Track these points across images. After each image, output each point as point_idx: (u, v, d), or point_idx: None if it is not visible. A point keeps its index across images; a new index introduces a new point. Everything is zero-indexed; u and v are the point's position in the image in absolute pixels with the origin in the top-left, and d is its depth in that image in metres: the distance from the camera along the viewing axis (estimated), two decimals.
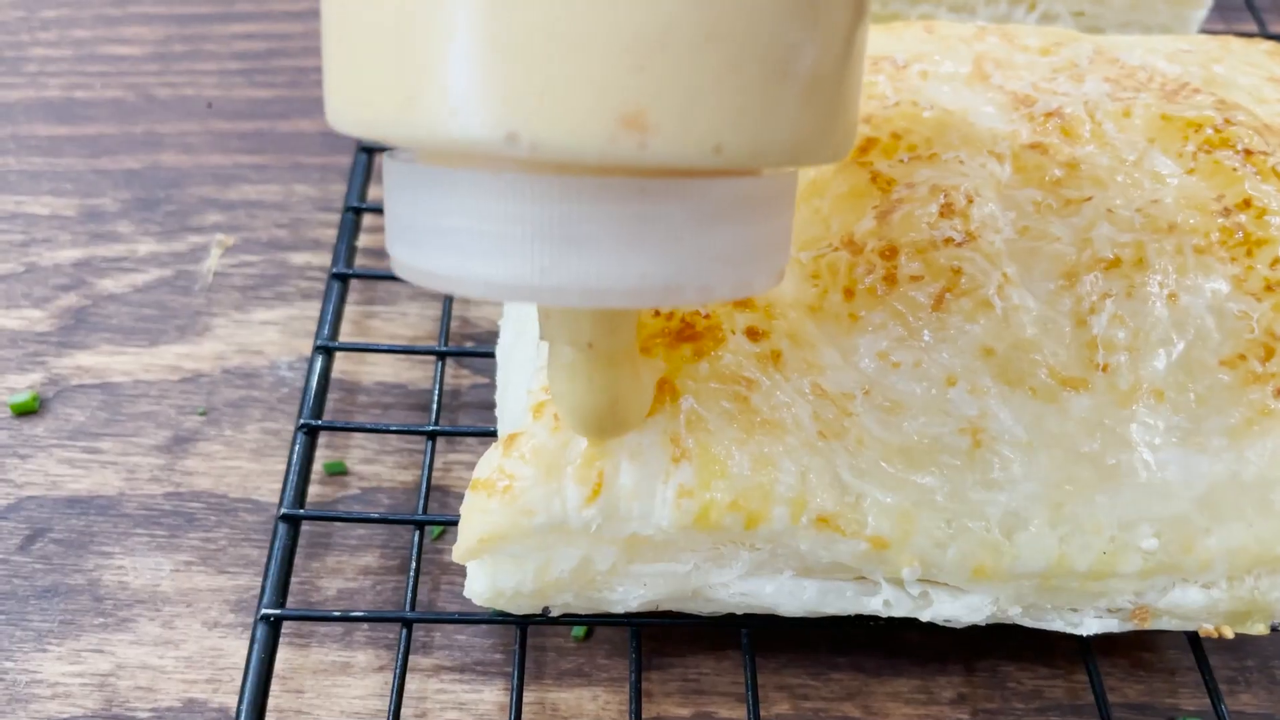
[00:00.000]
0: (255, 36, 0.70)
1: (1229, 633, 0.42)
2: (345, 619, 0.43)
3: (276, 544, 0.44)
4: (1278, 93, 0.49)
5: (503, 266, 0.28)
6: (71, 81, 0.67)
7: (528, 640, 0.46)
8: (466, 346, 0.56)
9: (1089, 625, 0.41)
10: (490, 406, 0.54)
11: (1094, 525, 0.39)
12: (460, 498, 0.51)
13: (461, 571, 0.48)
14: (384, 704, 0.44)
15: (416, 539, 0.46)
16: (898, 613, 0.41)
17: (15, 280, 0.58)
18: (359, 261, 0.58)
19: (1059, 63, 0.48)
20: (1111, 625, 0.41)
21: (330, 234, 0.60)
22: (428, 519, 0.46)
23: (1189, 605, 0.41)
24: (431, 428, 0.48)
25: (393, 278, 0.56)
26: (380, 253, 0.60)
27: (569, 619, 0.42)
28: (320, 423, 0.48)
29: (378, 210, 0.58)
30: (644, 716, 0.45)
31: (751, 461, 0.38)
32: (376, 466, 0.52)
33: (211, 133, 0.65)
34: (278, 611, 0.42)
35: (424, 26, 0.26)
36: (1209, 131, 0.45)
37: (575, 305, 0.29)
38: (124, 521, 0.50)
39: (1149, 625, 0.41)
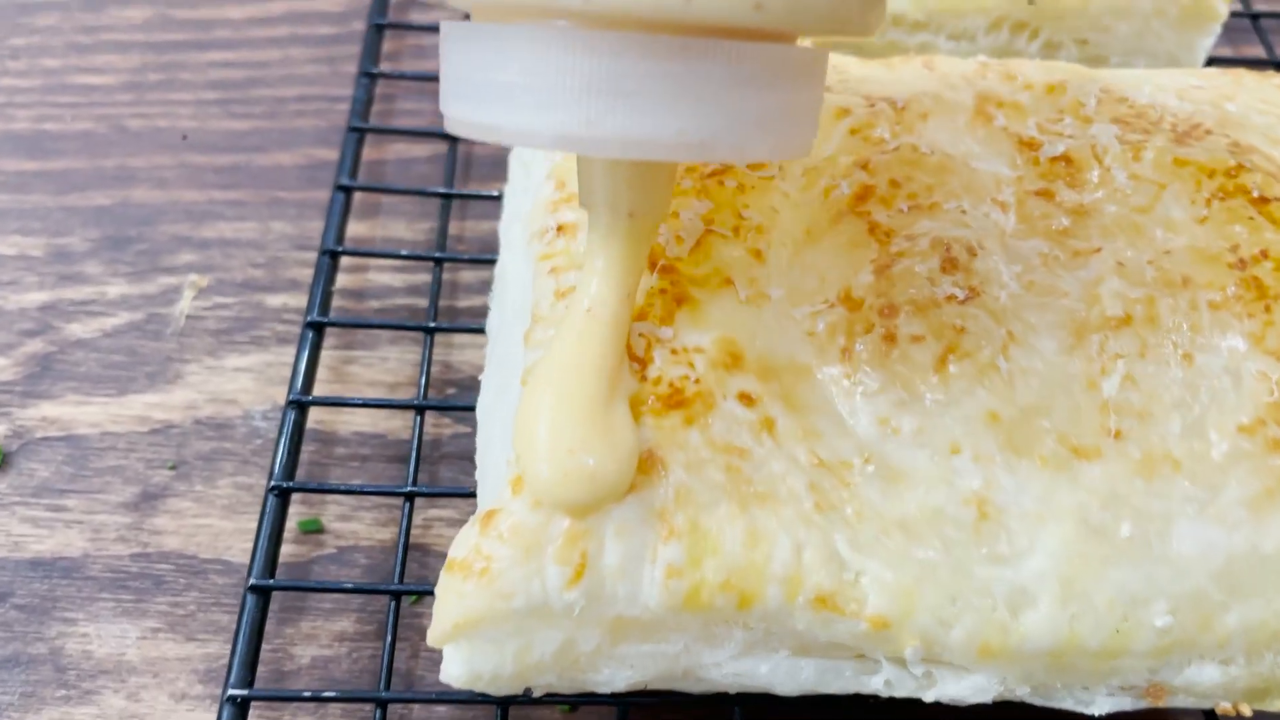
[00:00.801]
0: (233, 65, 0.68)
1: (1247, 710, 0.39)
2: (316, 699, 0.41)
3: (244, 618, 0.42)
4: None
5: (552, 117, 0.30)
6: (41, 113, 0.65)
7: (510, 716, 0.43)
8: (449, 394, 0.53)
9: (1100, 704, 0.39)
10: (471, 457, 0.52)
11: (1106, 602, 0.37)
12: (440, 557, 0.49)
13: None
14: None
15: (393, 608, 0.44)
16: (899, 693, 0.39)
17: None
18: (337, 303, 0.56)
19: (1065, 103, 0.46)
20: (1124, 703, 0.39)
21: (307, 274, 0.58)
22: (404, 589, 0.44)
23: (1205, 683, 0.38)
24: (409, 489, 0.46)
25: (370, 324, 0.54)
26: (359, 292, 0.58)
27: (552, 699, 0.40)
28: (291, 484, 0.46)
29: (355, 254, 0.56)
30: None
31: (744, 537, 0.36)
32: (354, 524, 0.50)
33: (186, 166, 0.63)
34: (245, 692, 0.40)
35: None
36: (1222, 178, 0.43)
37: (616, 155, 0.32)
38: (89, 585, 0.47)
39: (1163, 703, 0.39)
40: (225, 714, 0.40)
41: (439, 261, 0.54)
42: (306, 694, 0.41)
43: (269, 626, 0.45)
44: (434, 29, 0.69)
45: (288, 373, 0.54)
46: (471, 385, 0.54)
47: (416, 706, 0.44)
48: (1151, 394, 0.39)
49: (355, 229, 0.60)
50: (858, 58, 0.51)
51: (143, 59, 0.68)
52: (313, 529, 0.49)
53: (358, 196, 0.60)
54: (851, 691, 0.39)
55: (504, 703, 0.41)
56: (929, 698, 0.38)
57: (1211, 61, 0.65)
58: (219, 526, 0.49)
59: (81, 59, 0.68)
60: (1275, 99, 0.49)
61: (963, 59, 0.50)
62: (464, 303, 0.57)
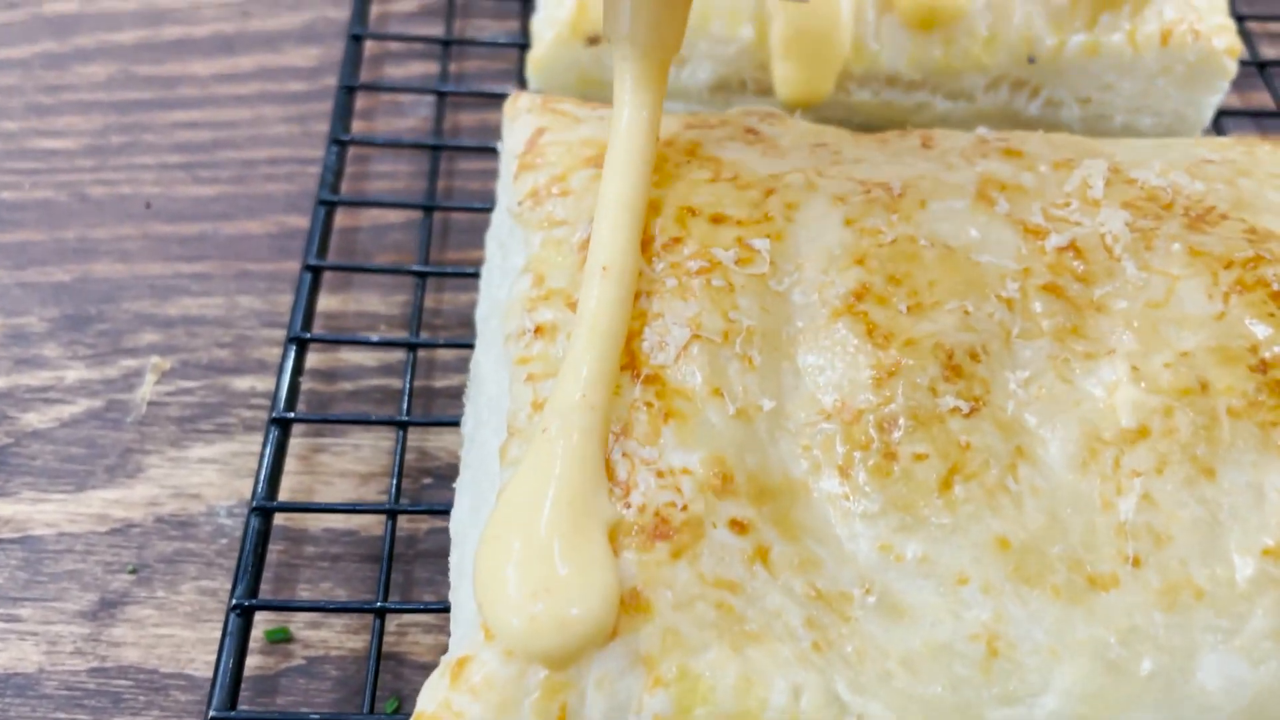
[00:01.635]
0: (199, 125, 0.65)
1: None
2: None
3: None
4: None
5: None
6: None
7: None
8: (424, 485, 0.51)
9: None
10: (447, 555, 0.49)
11: None
12: (415, 669, 0.46)
13: None
14: None
15: None
16: None
17: None
18: (308, 386, 0.53)
19: (1072, 186, 0.43)
20: None
21: (276, 354, 0.55)
22: None
23: None
24: (379, 605, 0.43)
25: (341, 420, 0.51)
26: (330, 373, 0.55)
27: None
28: (255, 602, 0.43)
29: (326, 340, 0.54)
30: None
31: (737, 682, 0.34)
32: (324, 631, 0.47)
33: (150, 237, 0.60)
34: None
35: None
36: (1240, 269, 0.41)
37: None
38: (44, 704, 0.45)
39: None
40: None
41: (412, 347, 0.52)
42: None
43: None
44: (407, 89, 0.66)
45: (255, 463, 0.51)
46: (448, 473, 0.51)
47: None
48: (1171, 515, 0.36)
49: (327, 303, 0.57)
50: (850, 131, 0.48)
51: (105, 120, 0.65)
52: (280, 638, 0.46)
53: (329, 271, 0.57)
54: None
55: None
56: None
57: (1220, 114, 0.63)
58: (181, 637, 0.47)
59: (42, 121, 0.65)
60: None
61: (962, 132, 0.48)
62: (441, 382, 0.55)
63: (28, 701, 0.45)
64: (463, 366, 0.55)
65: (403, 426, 0.49)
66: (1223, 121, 0.63)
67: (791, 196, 0.43)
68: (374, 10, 0.70)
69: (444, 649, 0.44)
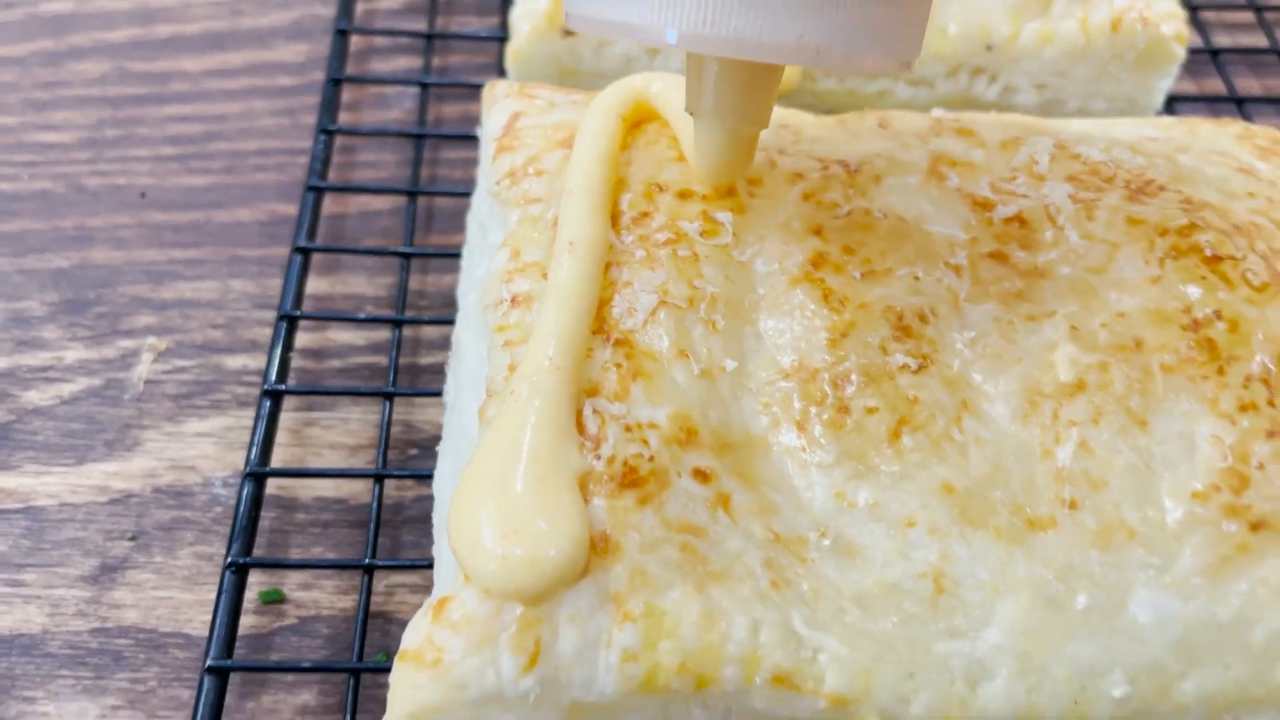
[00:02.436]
0: (191, 119, 0.68)
1: None
2: None
3: (202, 700, 0.41)
4: (1247, 184, 0.47)
5: (678, 15, 0.33)
6: None
7: None
8: (410, 455, 0.53)
9: None
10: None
11: (1063, 674, 0.37)
12: (403, 625, 0.48)
13: None
14: None
15: (352, 685, 0.43)
16: None
17: None
18: (298, 364, 0.56)
19: (1019, 161, 0.46)
20: None
21: (269, 334, 0.57)
22: (361, 667, 0.43)
23: None
24: (367, 562, 0.46)
25: (329, 391, 0.54)
26: (319, 352, 0.57)
27: None
28: (249, 560, 0.45)
29: (315, 317, 0.56)
30: None
31: (700, 618, 0.36)
32: (315, 593, 0.49)
33: (145, 225, 0.62)
34: None
35: None
36: (1175, 236, 0.43)
37: (734, 55, 0.34)
38: (48, 662, 0.47)
39: None
40: None
41: (398, 324, 0.54)
42: None
43: (231, 701, 0.45)
44: (393, 80, 0.69)
45: (247, 436, 0.54)
46: (433, 444, 0.54)
47: None
48: (1106, 462, 0.39)
49: (316, 285, 0.59)
50: (814, 114, 0.51)
51: (100, 114, 0.68)
52: (274, 599, 0.49)
53: (318, 254, 0.59)
54: None
55: None
56: None
57: (1173, 99, 0.65)
58: (179, 599, 0.49)
59: (39, 116, 0.67)
60: (1228, 149, 0.49)
61: (917, 113, 0.50)
62: (426, 359, 0.57)
63: (33, 660, 0.47)
64: (446, 344, 0.57)
65: (389, 397, 0.51)
66: (1176, 106, 0.66)
67: (754, 173, 0.45)
68: (360, 7, 0.72)
69: None
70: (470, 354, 0.45)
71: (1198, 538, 0.38)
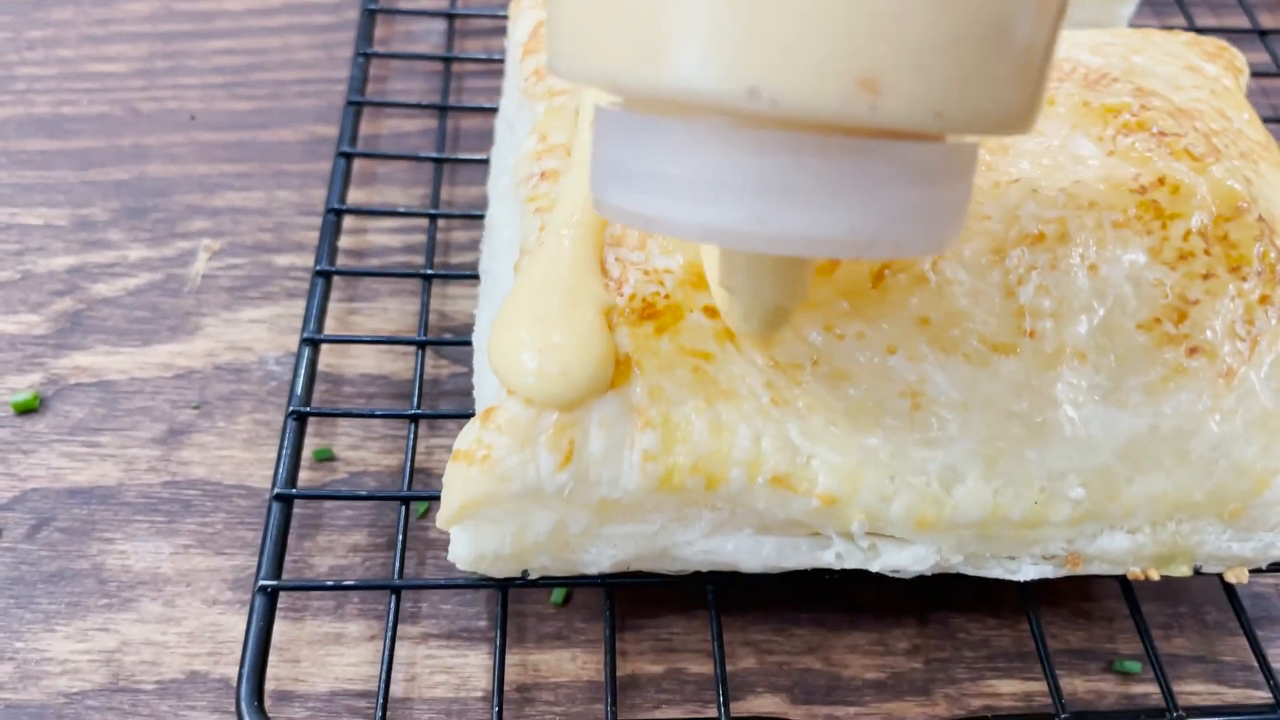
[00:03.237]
0: (235, 52, 0.73)
1: (1155, 575, 0.45)
2: (338, 588, 0.46)
3: (271, 521, 0.47)
4: (1193, 80, 0.53)
5: (719, 213, 0.30)
6: (59, 99, 0.70)
7: (509, 605, 0.49)
8: (445, 338, 0.59)
9: (1026, 571, 0.45)
10: (468, 393, 0.57)
11: (1025, 478, 0.43)
12: (441, 479, 0.54)
13: (444, 547, 0.51)
14: (375, 670, 0.47)
15: (402, 515, 0.49)
16: (849, 564, 0.44)
17: (13, 287, 0.60)
18: (341, 260, 0.61)
19: None
20: (1046, 571, 0.45)
21: (312, 236, 0.63)
22: (413, 495, 0.49)
23: (1116, 550, 0.44)
24: (414, 411, 0.52)
25: (373, 273, 0.59)
26: (360, 252, 0.63)
27: (546, 581, 0.46)
28: (309, 410, 0.51)
29: (357, 212, 0.62)
30: (620, 675, 0.48)
31: (710, 427, 0.42)
32: (362, 452, 0.55)
33: (195, 144, 0.68)
34: (274, 583, 0.45)
35: None
36: (1126, 116, 0.49)
37: (783, 253, 0.32)
38: (124, 509, 0.53)
39: (1081, 570, 0.45)
40: (256, 603, 0.45)
41: (433, 218, 0.60)
42: (329, 584, 0.46)
43: (289, 541, 0.50)
44: (421, 13, 0.74)
45: (297, 323, 0.59)
46: (465, 330, 0.59)
47: (424, 605, 0.50)
48: (1061, 299, 0.44)
49: (354, 196, 0.65)
50: None
51: (151, 48, 0.73)
52: (326, 457, 0.54)
53: (356, 166, 0.65)
54: (808, 565, 0.44)
55: (504, 585, 0.46)
56: (875, 568, 0.44)
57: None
58: (240, 457, 0.54)
59: (95, 49, 0.73)
60: (1178, 52, 0.55)
61: None
62: (457, 259, 0.63)
63: (110, 508, 0.53)
64: (476, 247, 0.63)
65: (427, 279, 0.57)
66: None
67: None
68: None
69: None
70: (503, 228, 0.51)
71: (1140, 360, 0.43)
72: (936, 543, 0.43)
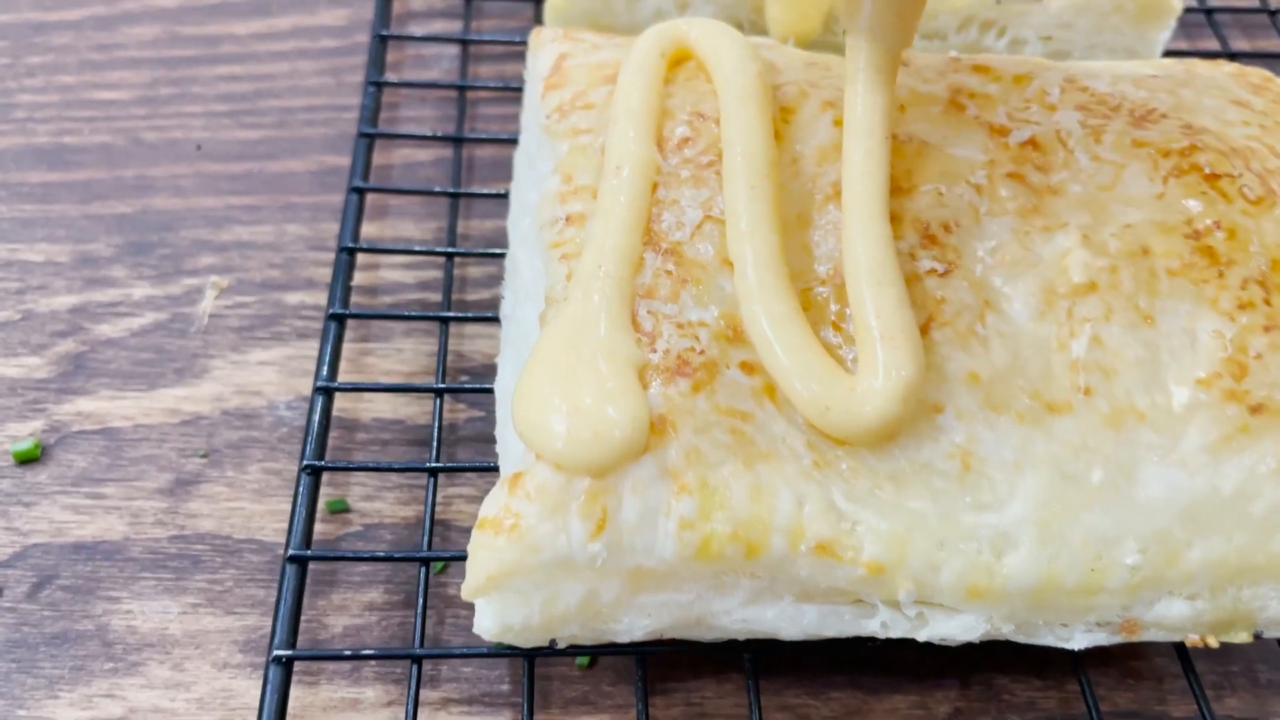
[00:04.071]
0: (241, 78, 0.71)
1: (1214, 642, 0.43)
2: (356, 657, 0.44)
3: (285, 585, 0.45)
4: (1241, 115, 0.51)
5: None
6: (60, 127, 0.68)
7: (536, 670, 0.47)
8: (462, 381, 0.57)
9: (1079, 639, 0.43)
10: (487, 439, 0.55)
11: (1081, 543, 0.40)
12: (461, 531, 0.52)
13: (466, 604, 0.49)
14: None
15: (422, 575, 0.47)
16: (895, 634, 0.42)
17: (13, 328, 0.58)
18: (354, 300, 0.59)
19: (1031, 92, 0.50)
20: (1100, 638, 0.43)
21: (323, 273, 0.61)
22: (432, 555, 0.47)
23: (1174, 617, 0.42)
24: (433, 464, 0.49)
25: (388, 316, 0.57)
26: (373, 289, 0.61)
27: (575, 649, 0.43)
28: (323, 463, 0.49)
29: (371, 250, 0.59)
30: None
31: (750, 492, 0.40)
32: (378, 503, 0.53)
33: (202, 175, 0.66)
34: (289, 652, 0.43)
35: None
36: (1177, 156, 0.47)
37: None
38: (130, 566, 0.50)
39: (1137, 637, 0.43)
40: (271, 674, 0.42)
41: (450, 256, 0.58)
42: (347, 652, 0.44)
43: (303, 599, 0.48)
44: (435, 39, 0.72)
45: (309, 365, 0.57)
46: (483, 373, 0.57)
47: (445, 669, 0.47)
48: (1116, 353, 0.42)
49: (366, 230, 0.63)
50: (838, 55, 0.54)
51: (154, 74, 0.71)
52: (340, 509, 0.52)
53: (368, 199, 0.63)
54: (851, 634, 0.42)
55: (530, 654, 0.44)
56: (922, 637, 0.42)
57: (1168, 54, 0.69)
58: (250, 509, 0.52)
59: (96, 75, 0.71)
60: (1225, 84, 0.53)
61: (934, 54, 0.54)
62: (473, 296, 0.61)
63: (115, 564, 0.50)
64: (492, 283, 0.61)
65: (444, 321, 0.55)
66: None
67: (788, 102, 0.49)
68: None
69: None
70: (526, 270, 0.49)
71: (1201, 419, 0.41)
72: (987, 611, 0.41)
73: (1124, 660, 0.49)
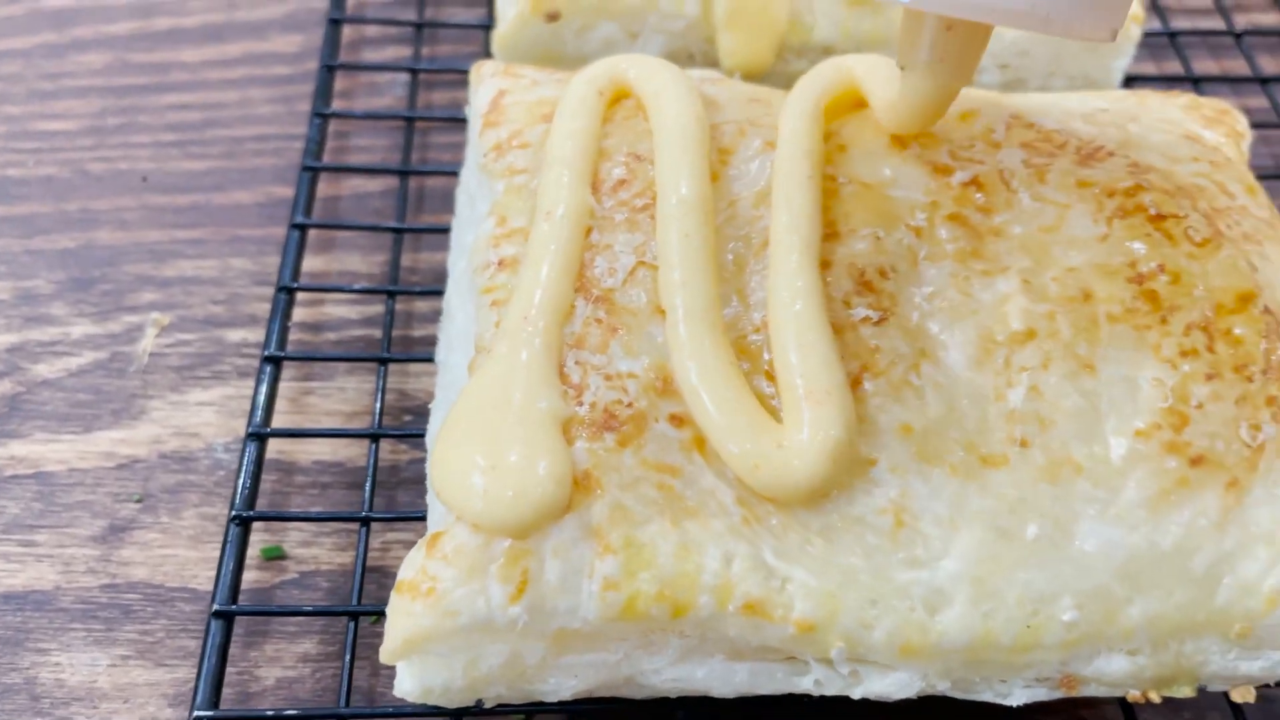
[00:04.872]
0: (190, 107, 0.70)
1: (1155, 697, 0.42)
2: (279, 718, 0.43)
3: (209, 642, 0.44)
4: (1191, 150, 0.50)
5: None
6: (4, 160, 0.67)
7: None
8: (406, 421, 0.56)
9: (1018, 695, 0.42)
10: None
11: (1016, 600, 0.39)
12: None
13: None
14: None
15: (352, 630, 0.46)
16: (829, 691, 0.41)
17: None
18: (294, 336, 0.58)
19: (976, 129, 0.49)
20: (1040, 694, 0.42)
21: (267, 308, 0.60)
22: (362, 610, 0.46)
23: (1115, 672, 0.41)
24: (364, 515, 0.48)
25: (326, 358, 0.56)
26: (317, 325, 0.60)
27: (504, 709, 0.42)
28: (252, 514, 0.48)
29: (310, 289, 0.58)
30: None
31: (677, 550, 0.39)
32: (314, 549, 0.52)
33: (147, 207, 0.65)
34: (210, 714, 0.42)
35: None
36: (1122, 197, 0.46)
37: (967, 17, 0.38)
38: (60, 616, 0.49)
39: (1077, 692, 0.42)
40: None
41: (391, 294, 0.57)
42: (270, 713, 0.43)
43: (234, 650, 0.47)
44: (384, 68, 0.71)
45: (248, 405, 0.56)
46: (428, 413, 0.56)
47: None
48: (1054, 403, 0.41)
49: (312, 264, 0.62)
50: (784, 91, 0.53)
51: (102, 103, 0.70)
52: (275, 555, 0.51)
53: (314, 232, 0.62)
54: (784, 691, 0.41)
55: (457, 714, 0.43)
56: (856, 695, 0.41)
57: (1131, 79, 0.68)
58: (185, 556, 0.51)
59: (43, 105, 0.70)
60: (1176, 119, 0.52)
61: None
62: (419, 332, 0.60)
63: (45, 614, 0.49)
64: (437, 317, 0.60)
65: (383, 363, 0.54)
66: (1135, 86, 0.69)
67: (726, 143, 0.48)
68: (351, 0, 0.75)
69: None
70: (460, 315, 0.48)
71: (1140, 472, 0.40)
72: (922, 669, 0.40)
73: (1073, 709, 0.48)
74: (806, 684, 0.41)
